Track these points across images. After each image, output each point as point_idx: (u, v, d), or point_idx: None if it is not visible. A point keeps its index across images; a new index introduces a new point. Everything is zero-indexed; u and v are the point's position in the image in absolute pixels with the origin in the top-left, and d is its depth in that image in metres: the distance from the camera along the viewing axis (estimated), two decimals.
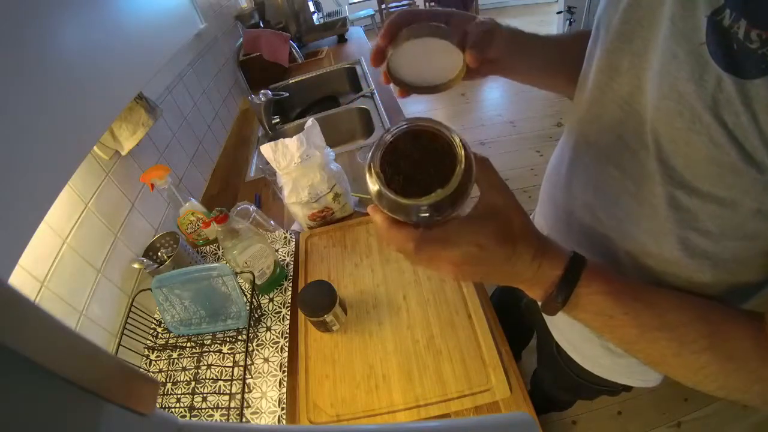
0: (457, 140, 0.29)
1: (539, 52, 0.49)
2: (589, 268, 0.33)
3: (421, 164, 0.30)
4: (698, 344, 0.32)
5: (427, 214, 0.30)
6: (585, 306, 0.33)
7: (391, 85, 0.41)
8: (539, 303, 0.35)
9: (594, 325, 0.35)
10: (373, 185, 0.30)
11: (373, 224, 0.34)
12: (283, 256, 0.83)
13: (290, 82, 1.68)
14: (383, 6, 4.23)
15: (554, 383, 0.80)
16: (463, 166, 0.29)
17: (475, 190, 0.32)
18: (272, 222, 0.91)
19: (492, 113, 2.93)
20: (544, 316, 0.63)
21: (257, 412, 0.60)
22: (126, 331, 0.68)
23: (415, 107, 3.22)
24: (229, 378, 0.64)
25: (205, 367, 0.67)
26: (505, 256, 0.32)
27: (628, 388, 0.60)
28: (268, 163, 0.78)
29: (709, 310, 0.33)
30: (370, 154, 0.31)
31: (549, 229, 0.55)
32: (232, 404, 0.60)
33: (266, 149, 0.76)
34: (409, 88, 0.41)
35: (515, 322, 0.78)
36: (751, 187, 0.29)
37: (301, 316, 0.68)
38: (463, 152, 0.29)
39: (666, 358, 0.33)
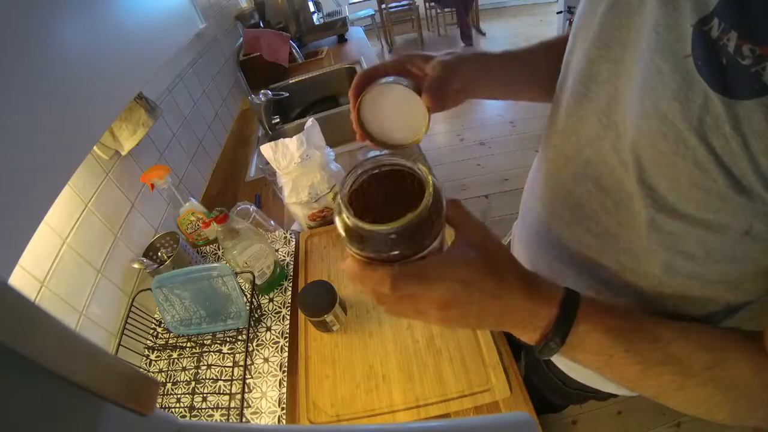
0: (423, 169, 0.29)
1: (502, 71, 0.48)
2: (585, 303, 0.31)
3: (390, 203, 0.29)
4: (702, 377, 0.30)
5: (400, 249, 0.28)
6: (584, 345, 0.31)
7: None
8: (534, 346, 0.32)
9: (593, 366, 0.32)
10: (342, 221, 0.28)
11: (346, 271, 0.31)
12: (283, 256, 0.83)
13: (290, 82, 1.68)
14: (383, 6, 4.23)
15: (543, 387, 0.80)
16: (431, 189, 0.27)
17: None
18: (272, 222, 0.91)
19: (492, 113, 2.93)
20: None
21: (257, 412, 0.60)
22: (126, 331, 0.68)
23: None
24: (229, 378, 0.64)
25: (205, 367, 0.67)
26: (492, 291, 0.29)
27: (614, 394, 0.59)
28: (268, 163, 0.78)
29: (709, 337, 0.31)
30: (339, 196, 0.30)
31: (527, 242, 0.55)
32: (232, 404, 0.60)
33: (266, 149, 0.76)
34: (380, 144, 0.42)
35: None
36: (739, 211, 0.27)
37: (301, 316, 0.68)
38: (430, 178, 0.28)
39: (670, 392, 0.31)
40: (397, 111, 0.39)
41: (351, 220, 0.27)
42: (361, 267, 0.28)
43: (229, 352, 0.68)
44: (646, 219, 0.32)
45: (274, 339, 0.69)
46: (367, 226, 0.27)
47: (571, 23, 0.50)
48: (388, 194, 0.30)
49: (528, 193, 0.54)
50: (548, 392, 0.79)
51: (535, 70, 0.48)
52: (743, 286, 0.34)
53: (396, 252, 0.28)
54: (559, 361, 0.60)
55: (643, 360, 0.30)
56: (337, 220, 0.29)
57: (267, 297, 0.76)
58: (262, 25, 1.89)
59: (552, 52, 0.47)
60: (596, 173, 0.36)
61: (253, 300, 0.69)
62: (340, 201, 0.29)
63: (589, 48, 0.35)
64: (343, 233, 0.29)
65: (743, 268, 0.31)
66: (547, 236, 0.48)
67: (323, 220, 0.86)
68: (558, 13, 3.44)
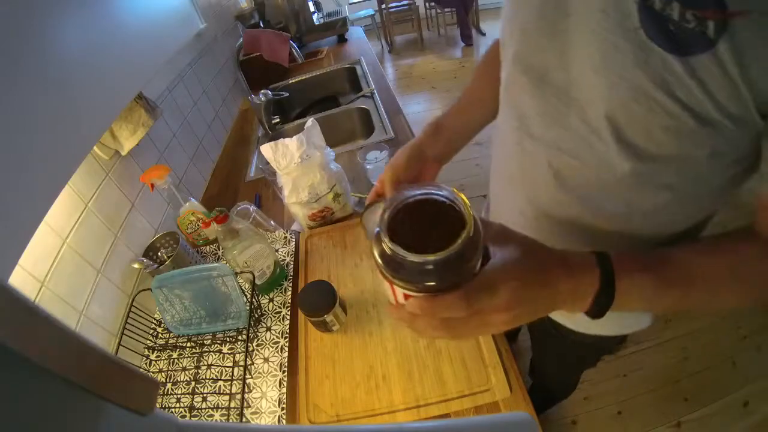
0: (449, 190, 0.31)
1: (462, 133, 0.61)
2: (615, 256, 0.33)
3: (423, 234, 0.30)
4: (727, 279, 0.34)
5: (462, 270, 0.29)
6: (629, 294, 0.33)
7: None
8: (586, 313, 0.34)
9: (640, 306, 0.36)
10: (399, 263, 0.29)
11: (399, 320, 0.32)
12: (283, 256, 0.83)
13: (290, 82, 1.68)
14: (383, 6, 4.23)
15: (553, 360, 0.80)
16: (468, 204, 0.29)
17: None
18: (272, 222, 0.91)
19: None
20: None
21: (257, 412, 0.60)
22: (126, 331, 0.68)
23: (415, 107, 3.22)
24: (229, 378, 0.64)
25: (205, 367, 0.67)
26: (541, 280, 0.31)
27: (622, 340, 0.63)
28: (268, 163, 0.78)
29: (718, 246, 0.36)
30: (374, 241, 0.30)
31: (510, 225, 0.57)
32: (232, 404, 0.60)
33: (266, 149, 0.76)
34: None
35: None
36: (706, 140, 0.31)
37: (301, 316, 0.68)
38: (462, 195, 0.30)
39: (707, 301, 0.36)
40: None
41: (418, 258, 0.28)
42: (428, 302, 0.29)
43: (229, 352, 0.68)
44: (627, 170, 0.36)
45: (274, 339, 0.69)
46: (431, 257, 0.27)
47: None
48: (417, 227, 0.30)
49: (499, 181, 0.57)
50: (559, 365, 0.80)
51: (490, 106, 0.55)
52: (713, 200, 0.40)
53: (459, 274, 0.29)
54: (565, 319, 0.61)
55: (678, 285, 0.34)
56: (384, 264, 0.29)
57: (267, 297, 0.76)
58: (262, 25, 1.89)
59: (490, 76, 0.55)
60: (569, 146, 0.40)
61: (253, 300, 0.69)
62: (391, 246, 0.28)
63: (534, 39, 0.38)
64: (394, 280, 0.29)
65: (710, 183, 0.37)
66: (534, 215, 0.50)
67: (323, 220, 0.86)
68: None
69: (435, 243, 0.28)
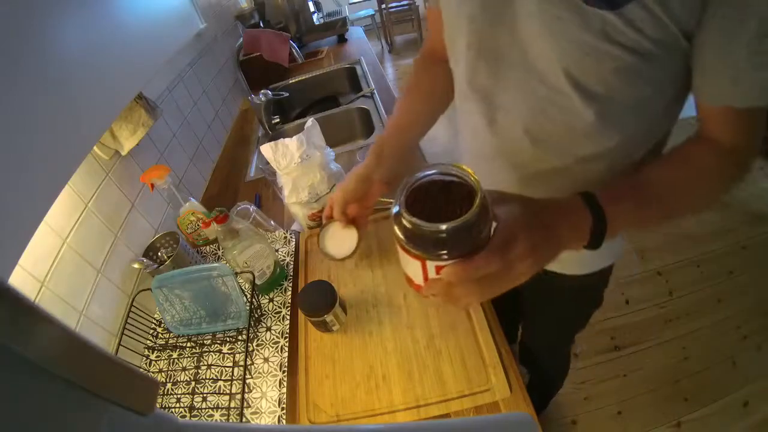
0: (459, 168, 0.33)
1: (407, 140, 0.65)
2: (597, 192, 0.38)
3: (438, 210, 0.33)
4: (687, 188, 0.42)
5: (483, 231, 0.31)
6: (617, 218, 0.38)
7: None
8: (586, 246, 0.39)
9: (628, 226, 0.41)
10: (421, 234, 0.31)
11: (434, 294, 0.35)
12: (283, 256, 0.83)
13: (290, 82, 1.68)
14: (383, 6, 4.23)
15: (544, 322, 0.83)
16: (474, 174, 0.32)
17: None
18: (272, 222, 0.91)
19: None
20: None
21: (257, 412, 0.60)
22: (126, 331, 0.68)
23: None
24: (229, 378, 0.64)
25: (205, 367, 0.67)
26: (543, 225, 0.35)
27: (605, 281, 0.70)
28: (268, 163, 0.78)
29: (672, 160, 0.42)
30: (395, 222, 0.33)
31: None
32: (232, 404, 0.60)
33: (266, 149, 0.76)
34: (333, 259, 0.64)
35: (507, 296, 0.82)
36: (647, 73, 0.38)
37: (301, 316, 0.68)
38: (466, 168, 0.33)
39: (678, 211, 0.42)
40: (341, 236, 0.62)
41: (434, 227, 0.30)
42: (462, 263, 0.32)
43: (229, 352, 0.68)
44: (594, 116, 0.42)
45: (274, 339, 0.69)
46: (453, 223, 0.30)
47: None
48: (430, 204, 0.33)
49: (473, 160, 0.59)
50: (558, 330, 0.85)
51: (426, 121, 0.64)
52: (667, 120, 0.46)
53: (479, 237, 0.32)
54: (551, 266, 0.63)
55: (657, 201, 0.41)
56: (415, 242, 0.32)
57: (267, 297, 0.76)
58: (262, 25, 1.89)
59: (422, 92, 0.64)
60: (539, 109, 0.45)
61: (253, 300, 0.69)
62: (414, 219, 0.31)
63: (483, 27, 0.43)
64: (422, 248, 0.32)
65: (661, 108, 0.43)
66: (517, 177, 0.53)
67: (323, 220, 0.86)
68: None
69: (451, 216, 0.31)
